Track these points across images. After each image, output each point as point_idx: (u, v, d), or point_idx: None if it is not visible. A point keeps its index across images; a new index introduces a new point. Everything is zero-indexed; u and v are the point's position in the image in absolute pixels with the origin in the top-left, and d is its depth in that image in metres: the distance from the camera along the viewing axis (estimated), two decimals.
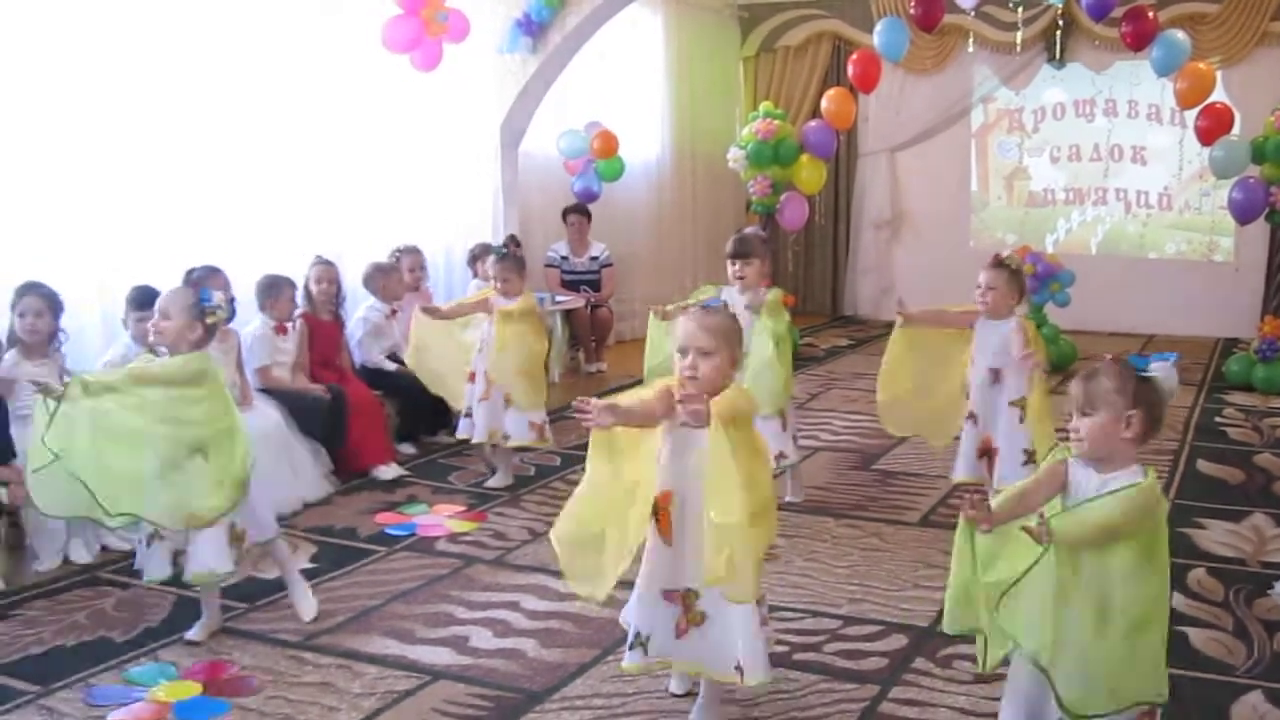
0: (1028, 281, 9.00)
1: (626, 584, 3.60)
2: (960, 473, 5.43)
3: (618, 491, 3.51)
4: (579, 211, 9.87)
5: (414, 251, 7.83)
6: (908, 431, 6.04)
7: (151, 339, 4.34)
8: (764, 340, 5.60)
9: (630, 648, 3.56)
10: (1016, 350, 5.09)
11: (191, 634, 4.34)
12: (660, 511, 3.47)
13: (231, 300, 4.49)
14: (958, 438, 5.58)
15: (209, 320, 4.27)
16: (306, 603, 4.56)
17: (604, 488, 3.54)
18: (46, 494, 4.05)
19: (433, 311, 6.48)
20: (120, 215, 6.26)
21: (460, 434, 6.49)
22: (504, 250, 6.61)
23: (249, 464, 4.32)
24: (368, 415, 6.66)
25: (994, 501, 3.11)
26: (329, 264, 6.89)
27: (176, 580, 4.38)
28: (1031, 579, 2.78)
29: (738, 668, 3.47)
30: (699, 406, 3.26)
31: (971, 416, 5.33)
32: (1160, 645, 2.98)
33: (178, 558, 4.29)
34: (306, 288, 6.79)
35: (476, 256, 8.17)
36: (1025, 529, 2.82)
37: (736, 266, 5.71)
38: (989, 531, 2.95)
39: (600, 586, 3.50)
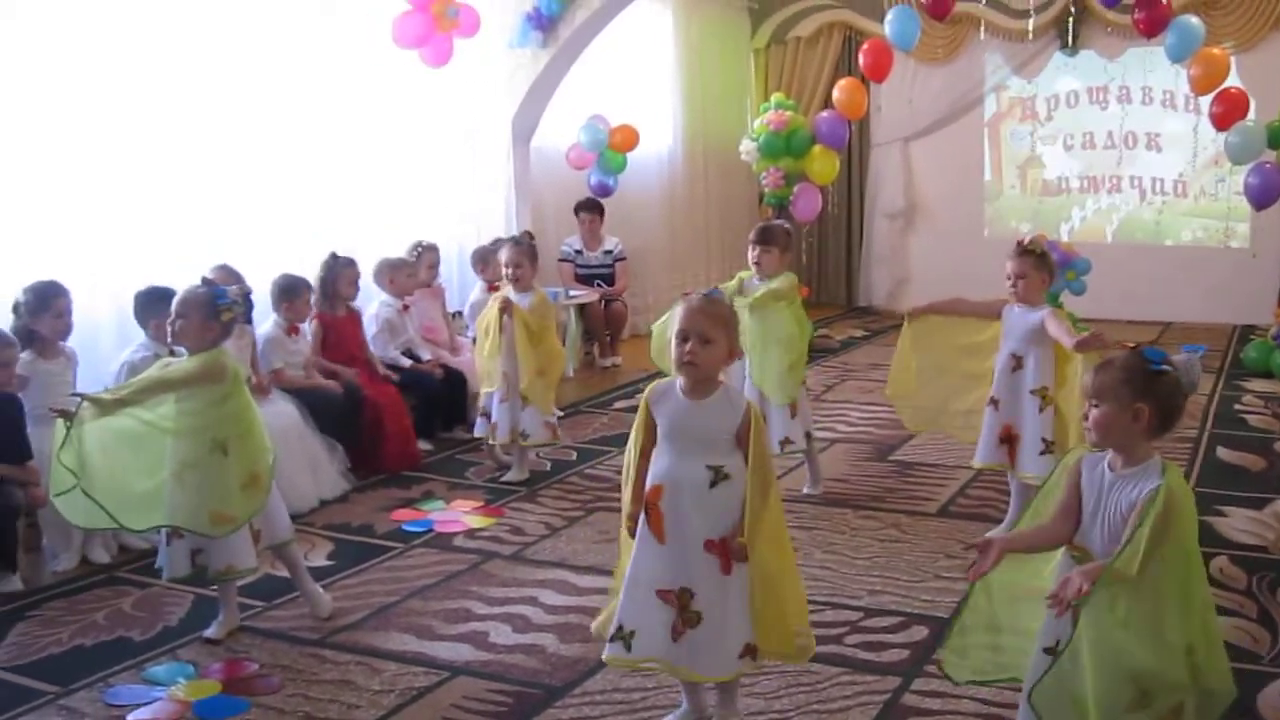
0: None
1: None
2: (981, 458, 5.35)
3: None
4: (590, 209, 9.84)
5: (433, 248, 7.82)
6: (927, 427, 5.95)
7: (170, 339, 4.35)
8: (779, 326, 5.64)
9: (611, 640, 3.46)
10: (1067, 343, 4.91)
11: (210, 632, 4.34)
12: (651, 507, 3.41)
13: (248, 294, 4.48)
14: None
15: (224, 317, 4.26)
16: (322, 601, 4.56)
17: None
18: (73, 509, 4.07)
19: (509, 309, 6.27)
20: (133, 214, 6.26)
21: (479, 433, 6.51)
22: (520, 239, 6.58)
23: (272, 462, 4.33)
24: (393, 415, 6.68)
25: (1010, 535, 3.11)
26: (354, 262, 6.91)
27: (197, 578, 4.39)
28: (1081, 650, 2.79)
29: (745, 653, 3.41)
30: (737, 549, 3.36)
31: (993, 402, 5.26)
32: (1212, 650, 2.96)
33: (197, 556, 4.29)
34: (335, 285, 6.78)
35: (482, 258, 7.90)
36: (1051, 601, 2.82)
37: (755, 252, 5.75)
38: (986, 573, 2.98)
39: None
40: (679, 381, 3.43)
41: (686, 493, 3.36)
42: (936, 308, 5.51)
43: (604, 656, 3.53)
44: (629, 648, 3.42)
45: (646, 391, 3.50)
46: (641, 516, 3.43)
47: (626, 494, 3.52)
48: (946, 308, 5.50)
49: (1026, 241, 5.23)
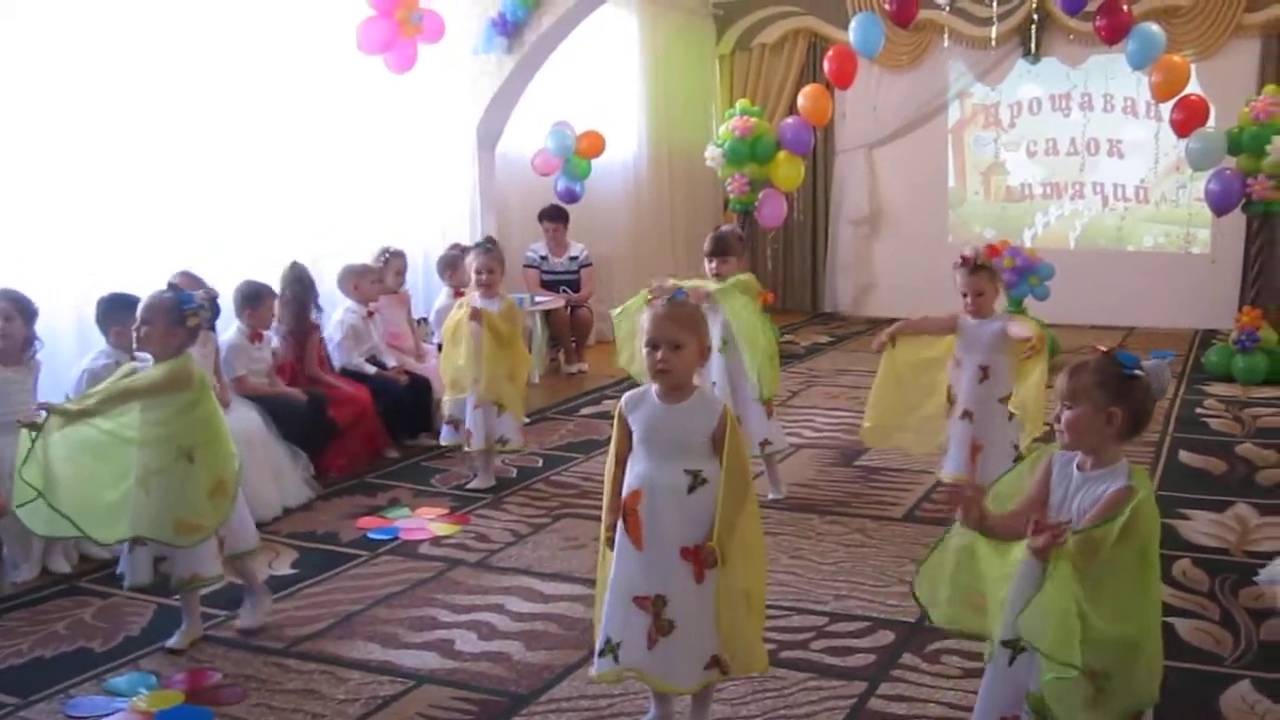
0: (1007, 276, 9.04)
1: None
2: (951, 469, 5.39)
3: None
4: (555, 217, 9.82)
5: (400, 255, 7.79)
6: (890, 444, 5.92)
7: (135, 346, 4.31)
8: (751, 327, 5.67)
9: (600, 654, 3.44)
10: (1029, 332, 5.07)
11: (172, 642, 4.29)
12: (629, 513, 3.39)
13: (214, 299, 4.43)
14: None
15: (190, 323, 4.22)
16: (254, 617, 4.44)
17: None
18: (37, 520, 4.05)
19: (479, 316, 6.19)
20: (95, 221, 6.21)
21: (445, 441, 6.48)
22: (489, 244, 6.55)
23: (238, 468, 4.29)
24: (364, 411, 6.76)
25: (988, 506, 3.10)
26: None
27: (159, 586, 4.34)
28: (1053, 593, 2.78)
29: (712, 665, 3.40)
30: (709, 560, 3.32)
31: (966, 414, 5.31)
32: (1159, 650, 2.99)
33: (160, 564, 4.25)
34: (314, 293, 6.82)
35: (449, 264, 7.87)
36: (1038, 544, 2.81)
37: (713, 264, 5.77)
38: (978, 530, 2.97)
39: None
40: (654, 387, 3.43)
41: (665, 498, 3.34)
42: (903, 329, 5.51)
43: (593, 674, 3.50)
44: (617, 659, 3.40)
45: (621, 401, 3.49)
46: (620, 523, 3.41)
47: (606, 506, 3.51)
48: (911, 328, 5.51)
49: (975, 257, 5.27)
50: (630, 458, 3.45)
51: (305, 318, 6.75)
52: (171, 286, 4.36)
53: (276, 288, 6.59)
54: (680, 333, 3.36)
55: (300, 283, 6.73)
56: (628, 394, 3.50)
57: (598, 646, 3.45)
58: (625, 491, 3.42)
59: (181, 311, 4.20)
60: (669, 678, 3.40)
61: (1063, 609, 2.75)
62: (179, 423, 4.17)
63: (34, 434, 3.96)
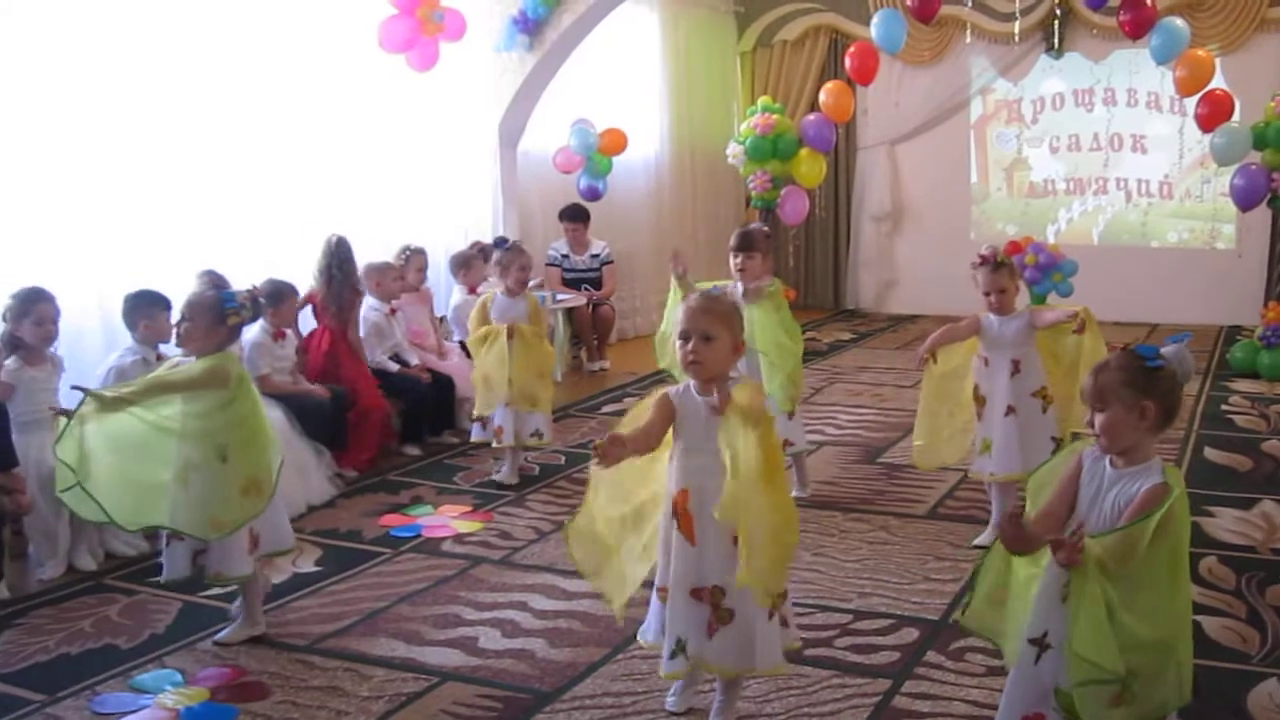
0: (1029, 272, 9.00)
1: (641, 601, 3.66)
2: (1005, 468, 5.21)
3: (626, 513, 3.57)
4: (574, 218, 9.81)
5: (421, 252, 7.81)
6: (940, 464, 5.68)
7: (176, 342, 4.35)
8: (773, 333, 5.61)
9: (671, 657, 3.48)
10: (1066, 316, 5.08)
11: (220, 636, 4.35)
12: (681, 511, 3.44)
13: (256, 298, 4.44)
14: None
15: (232, 321, 4.25)
16: (242, 629, 4.39)
17: (610, 515, 3.59)
18: (82, 505, 4.08)
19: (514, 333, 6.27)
20: (119, 218, 6.24)
21: (475, 438, 6.53)
22: (517, 242, 6.58)
23: (277, 468, 4.31)
24: (379, 411, 6.79)
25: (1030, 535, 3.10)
26: None
27: (192, 582, 4.38)
28: (1082, 600, 2.78)
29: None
30: (715, 400, 3.29)
31: (1011, 410, 5.20)
32: (1190, 652, 2.97)
33: (198, 557, 4.29)
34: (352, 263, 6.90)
35: (463, 263, 7.93)
36: (1059, 559, 2.81)
37: (739, 260, 5.73)
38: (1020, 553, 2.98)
39: (620, 595, 3.57)
40: (693, 383, 3.47)
41: (711, 494, 3.37)
42: (937, 343, 5.43)
43: (664, 674, 3.56)
44: (688, 656, 3.47)
45: (669, 390, 3.51)
46: (673, 522, 3.45)
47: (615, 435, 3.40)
48: (941, 340, 5.43)
49: (994, 255, 5.25)
50: (676, 454, 3.49)
51: (352, 285, 6.83)
52: (215, 285, 4.38)
53: (300, 279, 6.62)
54: (712, 325, 3.40)
55: (341, 252, 6.81)
56: (673, 388, 3.51)
57: (667, 650, 3.48)
58: (673, 489, 3.46)
59: (223, 310, 4.22)
60: (725, 662, 3.48)
61: (1094, 614, 2.74)
62: (218, 419, 4.20)
63: (68, 418, 4.03)
